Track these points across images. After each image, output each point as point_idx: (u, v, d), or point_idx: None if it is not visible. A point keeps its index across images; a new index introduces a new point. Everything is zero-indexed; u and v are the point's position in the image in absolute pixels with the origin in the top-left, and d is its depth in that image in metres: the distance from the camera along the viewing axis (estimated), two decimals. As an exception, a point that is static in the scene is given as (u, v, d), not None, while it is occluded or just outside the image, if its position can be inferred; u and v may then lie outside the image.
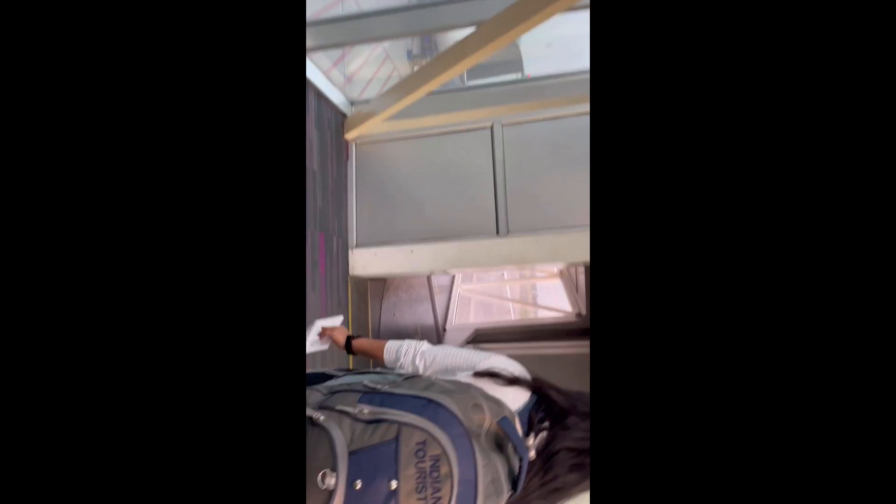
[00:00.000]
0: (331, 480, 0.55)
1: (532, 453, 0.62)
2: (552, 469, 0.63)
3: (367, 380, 0.67)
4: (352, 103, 2.74)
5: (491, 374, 0.71)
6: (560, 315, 5.41)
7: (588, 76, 2.30)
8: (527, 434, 0.65)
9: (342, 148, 2.69)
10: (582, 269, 4.82)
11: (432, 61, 2.07)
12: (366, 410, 0.59)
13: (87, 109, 0.41)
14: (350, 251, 2.65)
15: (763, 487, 0.38)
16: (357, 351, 1.02)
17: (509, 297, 7.07)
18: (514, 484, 0.60)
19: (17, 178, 0.39)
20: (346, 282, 2.61)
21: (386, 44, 2.83)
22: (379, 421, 0.58)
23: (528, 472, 0.60)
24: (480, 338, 4.91)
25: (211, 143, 0.44)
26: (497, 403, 0.64)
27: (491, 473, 0.57)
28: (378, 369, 0.79)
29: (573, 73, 2.50)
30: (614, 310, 0.43)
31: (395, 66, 3.07)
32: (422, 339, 0.89)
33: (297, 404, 0.46)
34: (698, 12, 0.41)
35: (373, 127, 2.62)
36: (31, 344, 0.38)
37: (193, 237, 0.43)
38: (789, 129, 0.39)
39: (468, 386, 0.67)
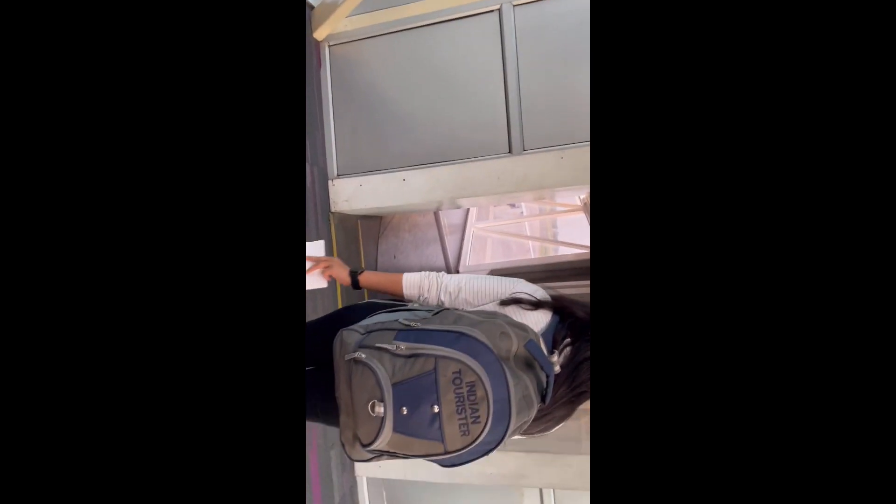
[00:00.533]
0: (380, 409, 0.64)
1: (557, 368, 0.71)
2: (577, 377, 0.73)
3: (401, 318, 0.72)
4: (319, -8, 2.15)
5: (516, 301, 0.77)
6: (582, 251, 4.98)
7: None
8: (552, 351, 0.73)
9: (311, 52, 2.13)
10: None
11: None
12: (402, 346, 0.66)
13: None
14: (330, 183, 2.17)
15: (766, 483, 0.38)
16: (367, 287, 0.98)
17: (528, 234, 6.60)
18: (542, 397, 0.68)
19: (17, 177, 0.39)
20: (328, 220, 2.15)
21: None
22: (416, 355, 0.65)
23: (555, 383, 0.70)
24: (496, 279, 4.54)
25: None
26: (523, 329, 0.71)
27: (521, 391, 0.64)
28: (410, 306, 0.84)
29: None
30: (614, 308, 0.44)
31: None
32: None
33: (295, 391, 0.47)
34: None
35: (346, 20, 2.04)
36: (31, 344, 0.39)
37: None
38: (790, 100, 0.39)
39: (494, 315, 0.73)
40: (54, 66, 0.40)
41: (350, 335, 0.73)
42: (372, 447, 0.67)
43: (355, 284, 0.98)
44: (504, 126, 2.00)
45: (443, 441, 0.63)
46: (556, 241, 6.47)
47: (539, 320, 0.76)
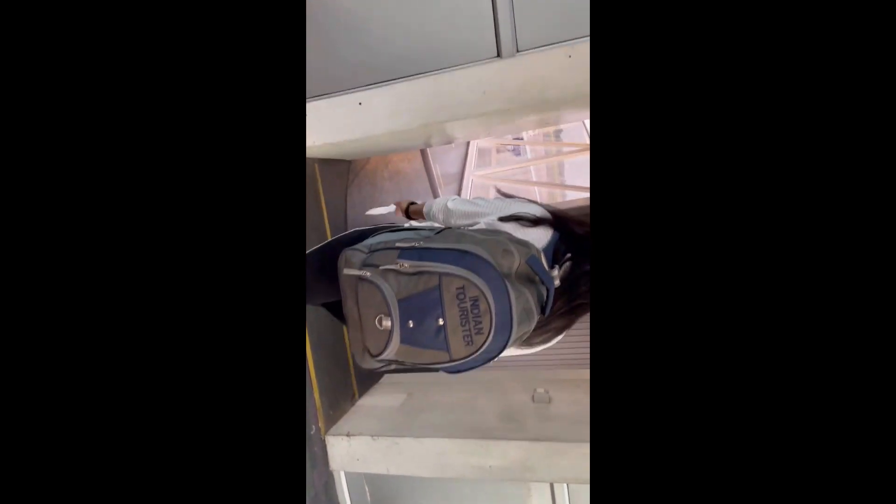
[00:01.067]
0: (387, 323, 0.67)
1: (557, 282, 0.73)
2: (575, 290, 0.77)
3: (399, 238, 0.74)
4: None
5: (516, 219, 0.79)
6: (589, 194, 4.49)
7: None
8: (552, 266, 0.75)
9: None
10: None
11: None
12: (406, 265, 0.67)
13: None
14: (266, 113, 1.66)
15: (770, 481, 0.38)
16: (412, 215, 1.07)
17: (534, 180, 6.11)
18: (542, 309, 0.71)
19: (18, 177, 0.39)
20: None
21: None
22: (421, 273, 0.66)
23: (554, 296, 0.72)
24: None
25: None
26: (524, 245, 0.72)
27: (523, 304, 0.66)
28: (408, 225, 0.90)
29: None
30: (615, 306, 0.44)
31: None
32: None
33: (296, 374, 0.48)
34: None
35: None
36: (31, 344, 0.39)
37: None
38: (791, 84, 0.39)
39: (497, 232, 0.75)
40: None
41: (354, 255, 0.75)
42: (381, 357, 0.70)
43: (407, 215, 1.08)
44: (489, 19, 1.46)
45: (448, 350, 0.66)
46: (563, 186, 6.06)
47: (540, 237, 0.78)
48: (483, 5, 1.46)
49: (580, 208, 0.71)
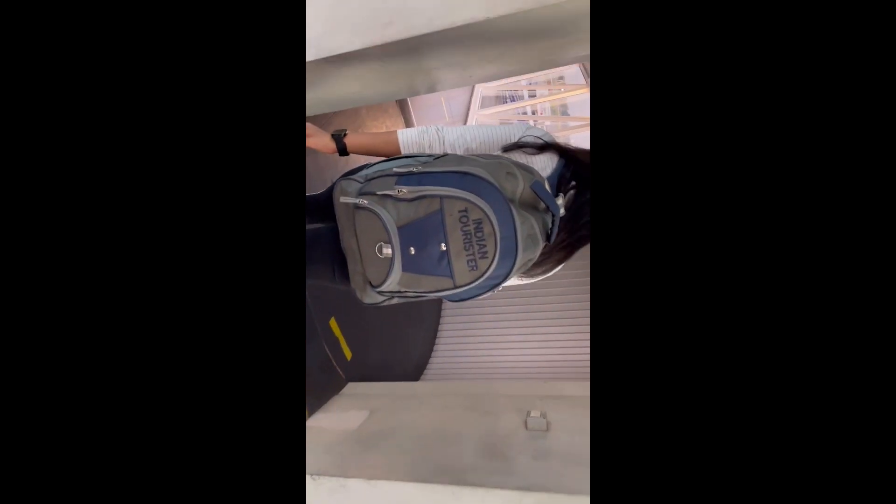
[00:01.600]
0: (387, 251, 0.65)
1: (562, 211, 0.68)
2: (577, 220, 0.73)
3: (397, 164, 0.70)
4: None
5: (519, 146, 0.74)
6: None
7: None
8: (556, 195, 0.71)
9: None
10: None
11: None
12: (405, 190, 0.64)
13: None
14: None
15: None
16: (356, 151, 0.85)
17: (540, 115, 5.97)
18: (547, 237, 0.68)
19: (18, 177, 0.39)
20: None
21: None
22: (421, 197, 0.63)
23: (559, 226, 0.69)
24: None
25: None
26: (529, 170, 0.67)
27: (527, 230, 0.63)
28: (407, 155, 0.78)
29: None
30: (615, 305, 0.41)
31: None
32: None
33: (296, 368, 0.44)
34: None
35: None
36: (29, 343, 0.39)
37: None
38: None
39: (499, 156, 0.70)
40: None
41: (349, 184, 0.71)
42: (382, 288, 0.68)
43: (342, 151, 0.84)
44: None
45: (452, 277, 0.64)
46: (567, 117, 5.93)
47: (545, 164, 0.74)
48: None
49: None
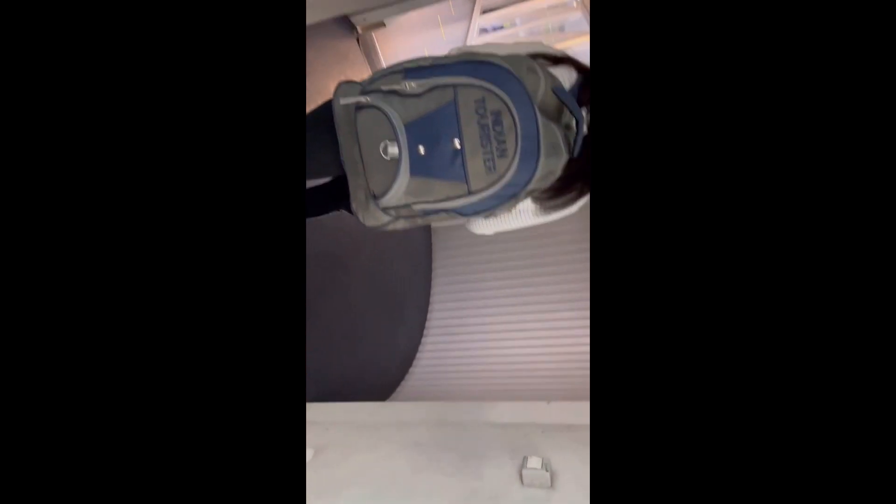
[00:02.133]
0: (393, 150, 0.59)
1: (585, 129, 0.61)
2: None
3: (407, 62, 0.63)
4: None
5: (534, 57, 0.65)
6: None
7: None
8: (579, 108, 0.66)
9: None
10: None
11: None
12: (413, 84, 0.58)
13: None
14: None
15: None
16: None
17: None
18: (571, 150, 0.61)
19: (17, 177, 0.39)
20: None
21: None
22: (432, 89, 0.58)
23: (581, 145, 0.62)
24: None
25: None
26: (550, 75, 0.62)
27: (550, 137, 0.58)
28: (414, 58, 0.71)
29: None
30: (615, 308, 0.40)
31: None
32: None
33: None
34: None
35: None
36: (28, 343, 0.39)
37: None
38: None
39: (518, 54, 0.63)
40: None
41: (350, 86, 0.64)
42: (387, 197, 0.62)
43: None
44: None
45: (466, 180, 0.59)
46: (568, 34, 5.17)
47: (564, 79, 0.65)
48: None
49: None
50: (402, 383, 3.00)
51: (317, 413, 1.58)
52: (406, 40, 3.30)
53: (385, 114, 0.58)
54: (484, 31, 5.06)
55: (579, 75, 0.67)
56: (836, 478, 0.35)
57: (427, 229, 3.36)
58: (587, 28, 4.20)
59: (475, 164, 0.58)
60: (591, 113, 0.58)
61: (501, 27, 5.46)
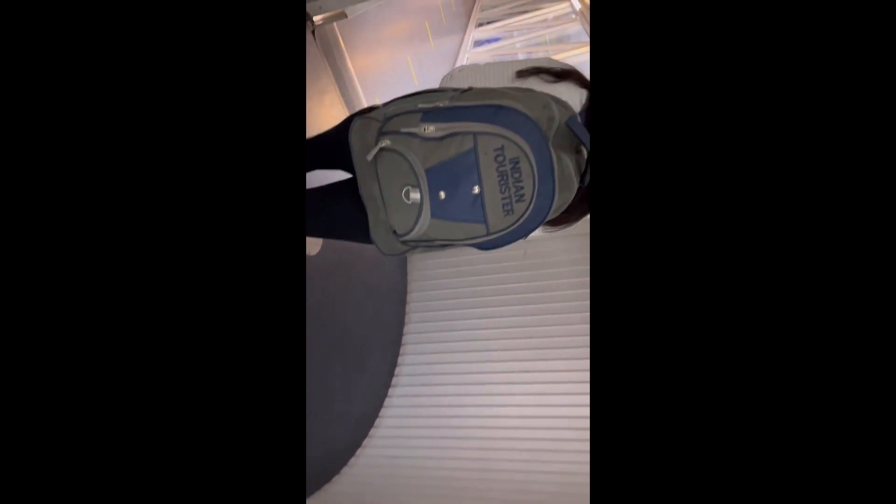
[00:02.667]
0: (415, 195, 0.59)
1: None
2: None
3: (421, 100, 0.64)
4: None
5: (536, 72, 0.69)
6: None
7: None
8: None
9: None
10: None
11: None
12: (432, 128, 0.59)
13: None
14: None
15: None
16: None
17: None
18: (582, 178, 0.63)
19: (17, 176, 0.39)
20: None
21: None
22: (451, 135, 0.58)
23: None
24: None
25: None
26: (563, 105, 0.63)
27: (563, 169, 0.59)
28: (428, 90, 0.72)
29: None
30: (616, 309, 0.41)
31: None
32: None
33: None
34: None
35: None
36: (27, 342, 0.39)
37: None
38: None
39: (531, 89, 0.65)
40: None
41: (368, 124, 0.65)
42: (409, 237, 0.64)
43: None
44: None
45: (485, 222, 0.60)
46: (569, 45, 5.42)
47: (571, 97, 0.66)
48: None
49: None
50: (364, 445, 2.26)
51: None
52: (375, 32, 2.91)
53: (406, 159, 0.59)
54: (478, 43, 5.01)
55: (584, 92, 0.67)
56: (837, 478, 0.36)
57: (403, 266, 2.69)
58: (587, 39, 4.14)
59: (494, 208, 0.59)
60: (591, 130, 0.58)
61: (499, 39, 5.43)
